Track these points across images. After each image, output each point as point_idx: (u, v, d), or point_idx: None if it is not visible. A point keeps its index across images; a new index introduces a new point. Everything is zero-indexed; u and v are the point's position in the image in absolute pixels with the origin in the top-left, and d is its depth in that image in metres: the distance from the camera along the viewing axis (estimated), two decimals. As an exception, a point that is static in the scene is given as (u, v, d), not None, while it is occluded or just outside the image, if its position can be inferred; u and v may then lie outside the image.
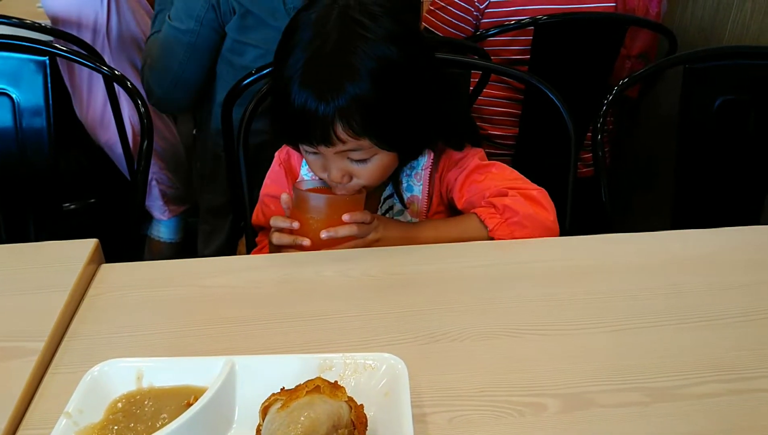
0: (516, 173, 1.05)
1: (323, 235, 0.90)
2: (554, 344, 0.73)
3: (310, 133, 0.89)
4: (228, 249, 1.72)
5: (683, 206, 1.33)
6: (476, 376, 0.69)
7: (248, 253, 1.20)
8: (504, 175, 1.04)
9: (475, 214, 0.99)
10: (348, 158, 0.92)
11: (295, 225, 0.91)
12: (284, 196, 0.95)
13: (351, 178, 0.95)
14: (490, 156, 1.09)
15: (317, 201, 0.92)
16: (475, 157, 1.05)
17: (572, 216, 1.21)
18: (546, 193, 1.01)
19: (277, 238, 0.93)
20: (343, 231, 0.90)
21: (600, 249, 0.91)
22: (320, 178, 0.98)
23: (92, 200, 1.75)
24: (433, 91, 0.96)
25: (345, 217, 0.90)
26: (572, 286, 0.82)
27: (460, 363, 0.71)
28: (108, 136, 1.83)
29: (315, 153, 0.93)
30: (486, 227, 0.97)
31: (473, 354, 0.72)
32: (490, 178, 1.02)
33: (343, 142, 0.89)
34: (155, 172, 1.96)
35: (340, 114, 0.86)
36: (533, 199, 0.99)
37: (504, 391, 0.67)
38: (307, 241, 0.91)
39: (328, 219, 0.91)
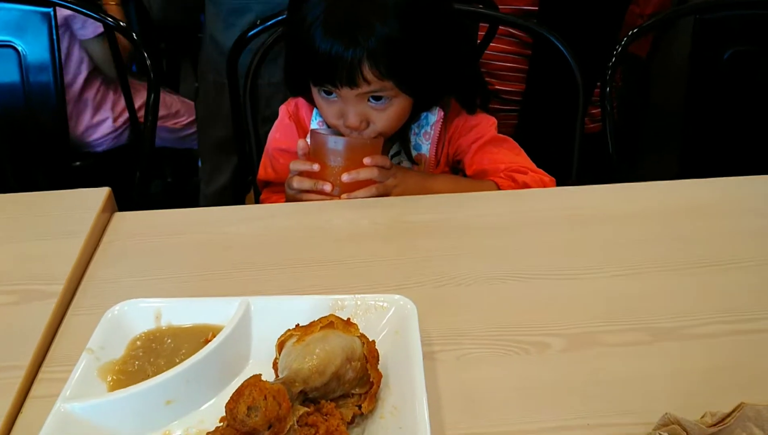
0: (526, 156, 1.08)
1: (344, 177, 0.91)
2: (560, 288, 0.75)
3: (336, 76, 0.88)
4: (231, 189, 1.72)
5: (691, 160, 1.33)
6: (483, 317, 0.71)
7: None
8: (517, 154, 1.07)
9: (494, 182, 1.01)
10: (369, 101, 0.93)
11: (316, 167, 0.92)
12: (301, 143, 0.95)
13: (368, 124, 0.95)
14: (495, 112, 1.11)
15: (337, 144, 0.92)
16: (490, 127, 1.08)
17: (579, 171, 1.22)
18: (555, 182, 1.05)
19: (297, 182, 0.93)
20: (364, 173, 0.91)
21: (606, 198, 0.91)
22: (332, 127, 0.99)
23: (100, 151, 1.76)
24: (453, 35, 0.96)
25: (366, 160, 0.91)
26: (579, 233, 0.84)
27: (467, 306, 0.72)
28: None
29: (332, 98, 0.94)
30: None
31: (481, 297, 0.74)
32: (504, 153, 1.06)
33: (369, 83, 0.89)
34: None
35: (369, 55, 0.86)
36: (548, 184, 1.03)
37: (510, 332, 0.69)
38: (328, 186, 0.92)
39: (348, 162, 0.92)
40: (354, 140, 0.95)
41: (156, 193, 2.05)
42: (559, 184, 1.10)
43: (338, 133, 0.98)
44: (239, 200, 1.72)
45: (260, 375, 0.47)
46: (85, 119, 1.69)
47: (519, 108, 1.78)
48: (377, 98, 0.93)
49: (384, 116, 0.95)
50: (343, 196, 0.92)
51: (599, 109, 1.65)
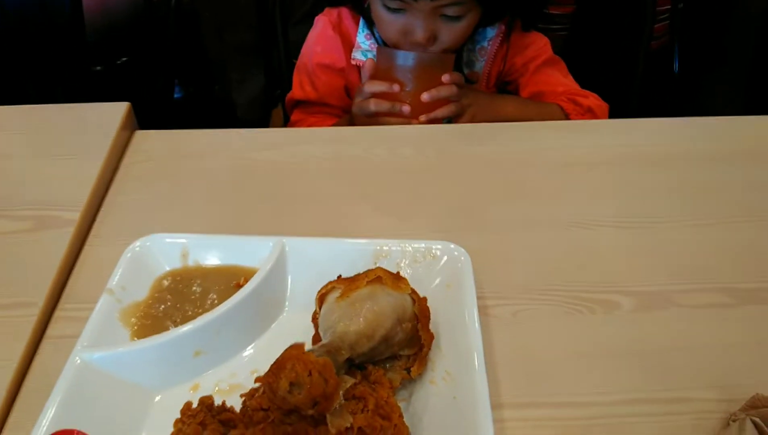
0: (573, 80, 1.03)
1: (425, 96, 0.85)
2: (630, 238, 0.67)
3: None
4: (263, 100, 1.62)
5: (759, 86, 1.20)
6: (543, 269, 0.63)
7: (284, 126, 1.13)
8: (565, 76, 1.03)
9: (558, 105, 0.95)
10: (441, 15, 0.86)
11: (396, 87, 0.85)
12: (369, 63, 0.89)
13: (435, 40, 0.88)
14: (542, 32, 1.03)
15: (407, 60, 0.85)
16: (545, 46, 1.02)
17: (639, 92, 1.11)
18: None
19: (375, 104, 0.86)
20: (444, 91, 0.86)
21: (684, 134, 0.81)
22: (390, 44, 0.91)
23: (124, 59, 1.65)
24: None
25: (445, 77, 0.85)
26: (651, 174, 0.75)
27: (524, 254, 0.65)
28: None
29: (400, 10, 0.86)
30: (568, 120, 0.94)
31: (540, 245, 0.66)
32: (561, 75, 1.01)
33: None
34: None
35: None
36: (605, 109, 0.99)
37: (573, 286, 0.61)
38: (407, 107, 0.86)
39: (419, 81, 0.85)
40: (426, 56, 0.87)
41: (179, 104, 1.95)
42: (615, 111, 1.01)
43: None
44: (267, 115, 1.62)
45: (303, 345, 0.40)
46: None
47: (567, 28, 1.63)
48: (450, 14, 0.86)
49: (453, 31, 0.88)
50: (422, 117, 0.86)
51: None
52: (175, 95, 1.54)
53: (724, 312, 0.59)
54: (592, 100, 0.98)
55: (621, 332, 0.57)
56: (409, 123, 0.86)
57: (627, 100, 1.12)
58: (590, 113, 0.97)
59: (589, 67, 1.20)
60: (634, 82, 1.08)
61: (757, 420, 0.46)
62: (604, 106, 0.99)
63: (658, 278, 0.62)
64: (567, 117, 0.95)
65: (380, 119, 0.87)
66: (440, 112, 0.86)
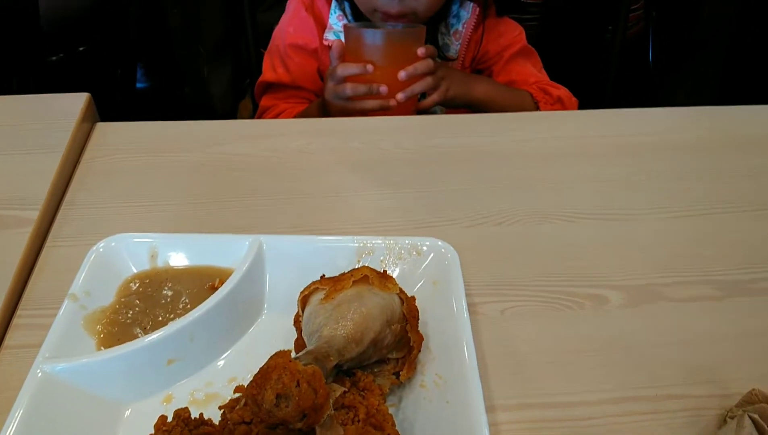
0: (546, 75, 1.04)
1: (402, 75, 0.82)
2: (615, 230, 0.65)
3: None
4: (231, 92, 1.57)
5: (734, 75, 1.21)
6: (529, 263, 0.62)
7: (253, 116, 1.09)
8: (539, 70, 1.03)
9: (529, 93, 0.95)
10: None
11: (370, 68, 0.82)
12: (337, 43, 0.86)
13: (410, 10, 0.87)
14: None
15: (376, 37, 0.82)
16: (520, 35, 1.02)
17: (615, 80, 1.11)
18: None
19: (352, 88, 0.83)
20: (422, 66, 0.83)
21: (662, 124, 0.80)
22: (367, 16, 0.90)
23: (81, 48, 1.58)
24: None
25: (420, 50, 0.83)
26: (634, 164, 0.74)
27: (509, 249, 0.63)
28: None
29: None
30: (537, 108, 0.94)
31: (524, 239, 0.64)
32: (531, 68, 1.01)
33: None
34: None
35: None
36: (575, 103, 1.00)
37: (561, 281, 0.60)
38: (384, 87, 0.83)
39: (396, 58, 0.82)
40: (396, 32, 0.84)
41: (142, 96, 1.88)
42: (589, 101, 1.01)
43: (373, 27, 0.87)
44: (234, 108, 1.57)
45: (289, 352, 0.37)
46: None
47: (540, 18, 1.63)
48: None
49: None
50: (399, 95, 0.83)
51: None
52: (138, 85, 1.48)
53: (712, 305, 0.58)
54: (563, 91, 0.98)
55: (610, 328, 0.56)
56: (387, 105, 0.83)
57: (602, 90, 1.12)
58: (560, 103, 0.97)
59: (563, 58, 1.19)
60: (609, 71, 1.07)
61: (755, 416, 0.45)
62: (574, 100, 1.00)
63: (645, 271, 0.61)
64: (536, 105, 0.95)
65: (357, 103, 0.85)
66: (417, 87, 0.84)
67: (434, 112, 0.96)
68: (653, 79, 1.13)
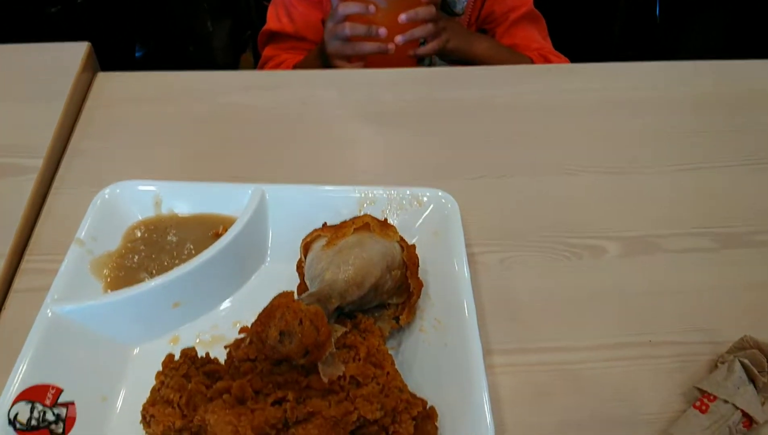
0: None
1: (403, 17, 0.81)
2: (615, 184, 0.66)
3: None
4: (232, 44, 1.55)
5: (739, 31, 1.19)
6: (529, 215, 0.62)
7: (255, 67, 1.08)
8: (544, 38, 1.00)
9: (530, 58, 0.93)
10: None
11: (372, 8, 0.81)
12: None
13: None
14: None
15: None
16: None
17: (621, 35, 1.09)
18: None
19: (350, 27, 0.82)
20: (423, 11, 0.82)
21: (663, 77, 0.80)
22: None
23: (79, 0, 1.55)
24: None
25: None
26: (634, 118, 0.73)
27: (510, 201, 0.64)
28: None
29: None
30: None
31: (525, 192, 0.65)
32: (539, 35, 0.99)
33: None
34: None
35: None
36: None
37: (560, 233, 0.61)
38: (383, 30, 0.81)
39: (399, 2, 0.81)
40: None
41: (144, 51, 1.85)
42: (596, 55, 1.00)
43: None
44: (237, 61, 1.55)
45: (292, 293, 0.38)
46: None
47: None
48: None
49: None
50: (398, 38, 0.82)
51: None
52: (137, 54, 1.46)
53: (709, 256, 0.59)
54: (564, 62, 0.96)
55: (607, 277, 0.57)
56: (385, 49, 0.82)
57: (608, 45, 1.10)
58: None
59: (570, 12, 1.17)
60: (615, 26, 1.06)
61: (746, 361, 0.46)
62: None
63: (644, 223, 0.61)
64: None
65: (355, 45, 0.83)
66: (417, 32, 0.83)
67: (433, 65, 0.95)
68: (660, 35, 1.11)
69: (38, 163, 0.63)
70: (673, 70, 0.81)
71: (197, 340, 0.50)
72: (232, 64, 1.46)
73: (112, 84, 0.76)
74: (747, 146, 0.70)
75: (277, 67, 0.94)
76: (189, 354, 0.43)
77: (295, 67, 0.92)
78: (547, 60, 0.95)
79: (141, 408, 0.41)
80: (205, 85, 0.76)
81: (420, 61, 0.92)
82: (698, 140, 0.71)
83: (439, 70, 0.82)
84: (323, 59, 0.87)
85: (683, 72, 0.81)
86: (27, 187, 0.61)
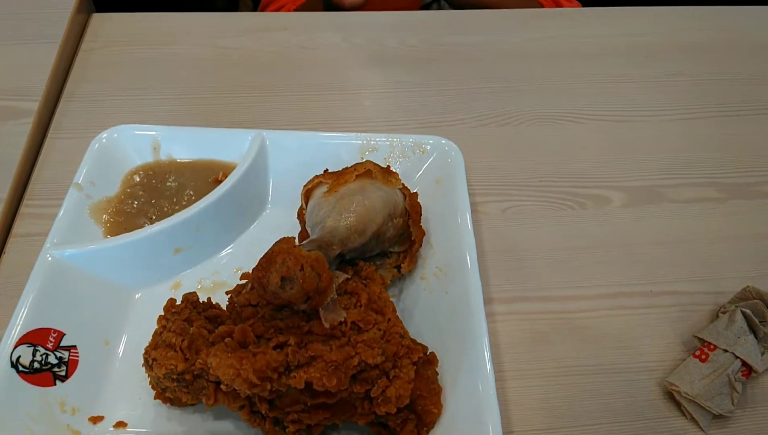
0: None
1: None
2: (620, 132, 0.65)
3: None
4: None
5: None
6: (532, 163, 0.61)
7: (255, 8, 1.05)
8: None
9: (539, 2, 0.90)
10: None
11: None
12: None
13: None
14: None
15: None
16: None
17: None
18: None
19: None
20: None
21: (670, 24, 0.78)
22: None
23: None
24: None
25: None
26: (642, 66, 0.72)
27: (514, 149, 0.63)
28: None
29: None
30: None
31: (529, 139, 0.64)
32: None
33: None
34: None
35: None
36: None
37: (563, 181, 0.60)
38: None
39: None
40: None
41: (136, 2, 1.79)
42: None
43: None
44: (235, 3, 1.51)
45: (293, 239, 0.38)
46: None
47: None
48: None
49: None
50: None
51: None
52: None
53: (714, 206, 0.58)
54: (576, 4, 0.94)
55: (611, 227, 0.56)
56: None
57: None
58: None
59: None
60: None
61: (747, 311, 0.46)
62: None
63: (649, 173, 0.61)
64: None
65: None
66: None
67: (439, 8, 0.92)
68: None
69: (34, 106, 0.62)
70: (687, 14, 0.79)
71: (199, 286, 0.50)
72: (232, 6, 1.42)
73: (108, 25, 0.74)
74: (759, 96, 0.68)
75: (278, 10, 0.91)
76: (191, 299, 0.42)
77: (297, 9, 0.89)
78: (557, 4, 0.92)
79: (143, 352, 0.41)
80: (203, 28, 0.74)
81: (425, 4, 0.89)
82: (708, 88, 0.69)
83: (443, 14, 0.80)
84: (326, 1, 0.84)
85: (690, 18, 0.79)
86: (24, 130, 0.60)
